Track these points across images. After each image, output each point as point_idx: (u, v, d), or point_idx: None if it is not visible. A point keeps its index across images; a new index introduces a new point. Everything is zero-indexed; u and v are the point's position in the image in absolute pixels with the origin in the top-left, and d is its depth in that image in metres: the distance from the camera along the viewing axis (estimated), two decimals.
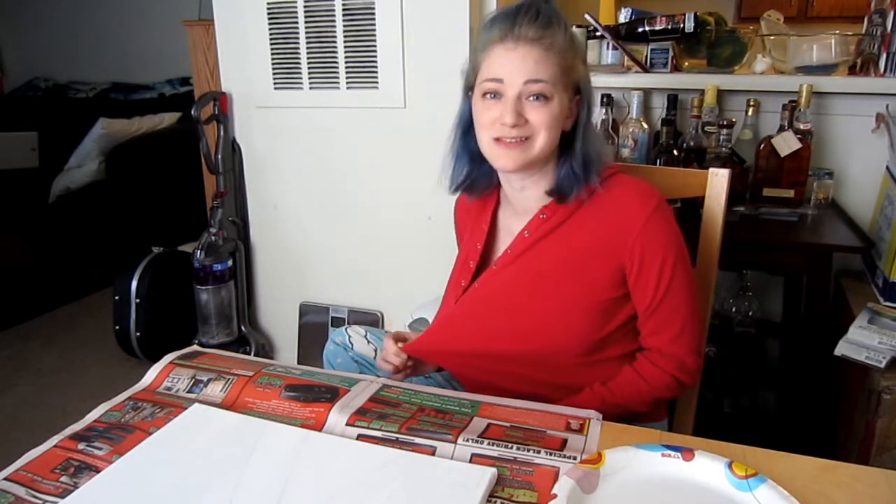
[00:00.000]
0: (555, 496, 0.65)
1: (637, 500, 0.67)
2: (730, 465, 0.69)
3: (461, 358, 1.03)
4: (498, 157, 0.93)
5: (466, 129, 0.99)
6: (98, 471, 0.72)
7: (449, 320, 1.06)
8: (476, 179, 1.03)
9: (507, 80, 0.89)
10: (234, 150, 2.18)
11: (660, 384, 0.95)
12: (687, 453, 0.71)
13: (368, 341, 1.21)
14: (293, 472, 0.71)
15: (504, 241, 1.03)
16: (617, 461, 0.70)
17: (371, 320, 2.15)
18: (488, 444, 0.75)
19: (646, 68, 1.76)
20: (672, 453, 0.71)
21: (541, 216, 0.97)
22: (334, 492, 0.68)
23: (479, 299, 1.01)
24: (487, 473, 0.69)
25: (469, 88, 0.97)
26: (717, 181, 1.12)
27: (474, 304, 1.02)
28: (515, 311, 0.97)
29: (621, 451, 0.72)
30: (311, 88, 2.01)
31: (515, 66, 0.88)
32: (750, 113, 1.63)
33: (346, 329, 1.23)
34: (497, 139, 0.91)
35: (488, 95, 0.91)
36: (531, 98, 0.89)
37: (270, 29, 2.00)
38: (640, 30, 1.73)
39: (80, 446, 0.76)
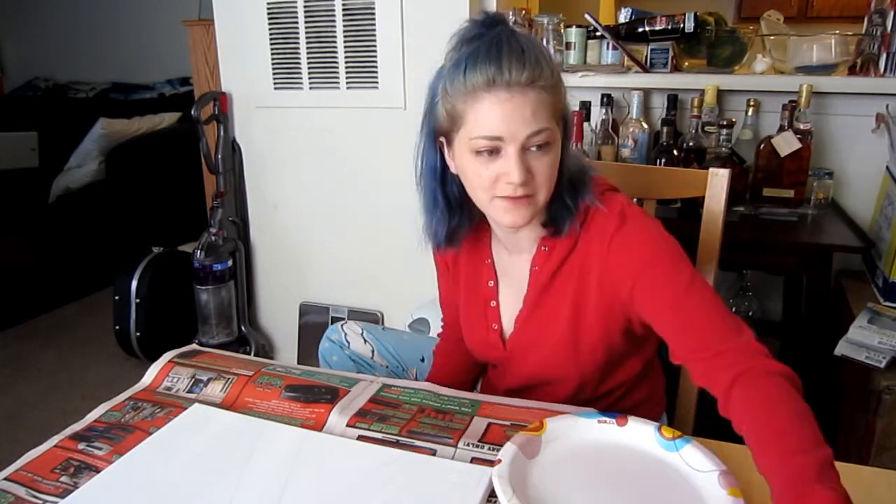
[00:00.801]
0: (499, 461, 0.68)
1: (576, 464, 0.72)
2: (659, 429, 0.75)
3: (513, 388, 1.02)
4: (504, 216, 0.84)
5: (441, 178, 0.90)
6: (98, 471, 0.72)
7: (501, 361, 1.02)
8: (458, 227, 0.95)
9: (507, 137, 0.79)
10: (234, 150, 2.18)
11: (786, 374, 0.71)
12: (621, 419, 0.77)
13: (365, 340, 1.20)
14: (293, 472, 0.71)
15: (507, 276, 0.99)
16: (557, 428, 0.76)
17: (371, 320, 2.14)
18: (489, 448, 0.75)
19: (646, 68, 1.76)
20: (608, 420, 0.77)
21: (542, 248, 0.93)
22: (334, 492, 0.68)
23: (523, 341, 0.97)
24: (487, 473, 0.69)
25: (440, 135, 0.86)
26: (717, 181, 1.11)
27: (521, 347, 0.97)
28: (566, 349, 0.93)
29: (562, 419, 0.77)
30: (311, 88, 2.01)
31: (514, 119, 0.78)
32: (750, 113, 1.63)
33: (341, 326, 1.21)
34: (502, 197, 0.82)
35: (484, 153, 0.81)
36: (533, 148, 0.80)
37: (270, 29, 2.00)
38: (640, 30, 1.73)
39: (80, 446, 0.76)
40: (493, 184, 0.82)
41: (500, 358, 1.01)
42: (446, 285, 1.10)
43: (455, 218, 0.94)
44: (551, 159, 0.82)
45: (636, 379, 1.00)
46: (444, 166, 0.90)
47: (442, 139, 0.87)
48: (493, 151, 0.80)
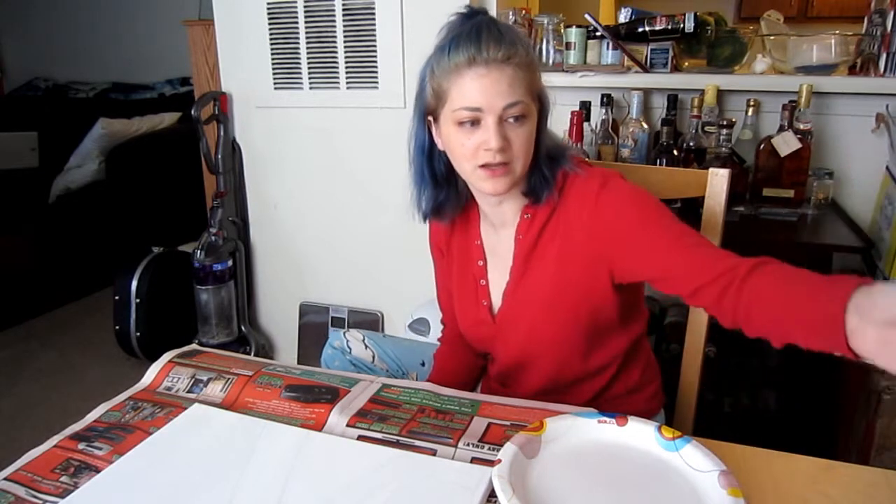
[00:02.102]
0: (499, 461, 0.68)
1: (575, 464, 0.72)
2: (659, 429, 0.75)
3: (504, 368, 1.05)
4: (485, 183, 0.91)
5: (429, 153, 0.98)
6: (98, 471, 0.72)
7: (491, 338, 1.05)
8: (445, 201, 1.01)
9: (486, 108, 0.87)
10: (234, 150, 2.18)
11: (764, 261, 0.86)
12: (621, 419, 0.77)
13: (366, 346, 1.21)
14: (293, 472, 0.71)
15: (495, 255, 1.03)
16: (557, 428, 0.76)
17: (371, 320, 2.15)
18: (489, 448, 0.75)
19: (646, 68, 1.76)
20: (608, 420, 0.77)
21: (525, 216, 0.97)
22: (334, 492, 0.68)
23: (510, 313, 1.01)
24: (487, 473, 0.69)
25: (428, 113, 0.94)
26: (717, 181, 1.11)
27: (509, 317, 1.01)
28: (551, 312, 0.97)
29: (561, 419, 0.77)
30: (311, 88, 2.01)
31: (491, 92, 0.86)
32: (750, 113, 1.63)
33: (343, 333, 1.24)
34: (482, 166, 0.89)
35: (466, 124, 0.88)
36: (510, 120, 0.88)
37: (270, 29, 2.00)
38: (640, 30, 1.73)
39: (80, 446, 0.76)
40: (474, 153, 0.89)
41: (490, 334, 1.04)
42: (442, 275, 1.14)
43: (442, 192, 1.01)
44: (527, 131, 0.90)
45: (625, 357, 1.02)
46: (432, 144, 0.97)
47: (430, 118, 0.94)
48: (474, 122, 0.88)
